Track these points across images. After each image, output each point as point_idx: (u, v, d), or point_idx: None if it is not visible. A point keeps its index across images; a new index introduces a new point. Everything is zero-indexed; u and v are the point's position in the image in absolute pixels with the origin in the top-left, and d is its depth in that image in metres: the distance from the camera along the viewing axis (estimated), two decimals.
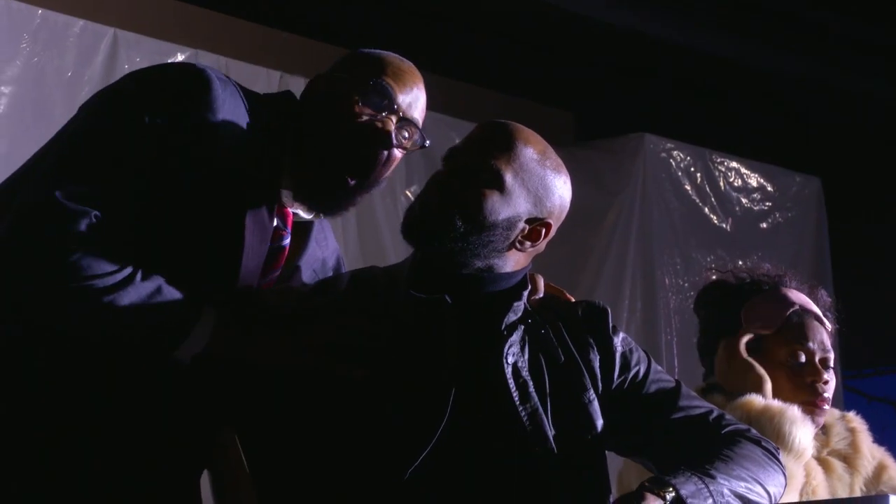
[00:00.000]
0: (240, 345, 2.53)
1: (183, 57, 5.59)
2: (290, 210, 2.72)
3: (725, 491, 2.56)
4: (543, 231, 2.74)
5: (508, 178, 2.66)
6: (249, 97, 2.63)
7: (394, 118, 2.66)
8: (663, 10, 6.39)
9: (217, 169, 2.50)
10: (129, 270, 2.42)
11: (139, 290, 2.41)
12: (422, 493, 2.51)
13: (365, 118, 2.63)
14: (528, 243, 2.74)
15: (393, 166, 2.73)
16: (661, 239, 6.74)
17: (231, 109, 2.52)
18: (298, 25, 6.26)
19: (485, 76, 7.01)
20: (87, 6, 5.59)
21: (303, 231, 2.77)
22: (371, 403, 2.58)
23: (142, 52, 5.51)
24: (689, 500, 2.49)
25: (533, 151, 2.71)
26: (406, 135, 2.69)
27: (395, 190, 6.17)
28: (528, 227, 2.72)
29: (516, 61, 6.90)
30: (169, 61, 2.73)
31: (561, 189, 2.76)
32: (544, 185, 2.72)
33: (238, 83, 2.66)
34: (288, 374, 2.62)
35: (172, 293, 2.45)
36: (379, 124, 2.64)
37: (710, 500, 2.52)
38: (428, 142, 2.71)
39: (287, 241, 2.73)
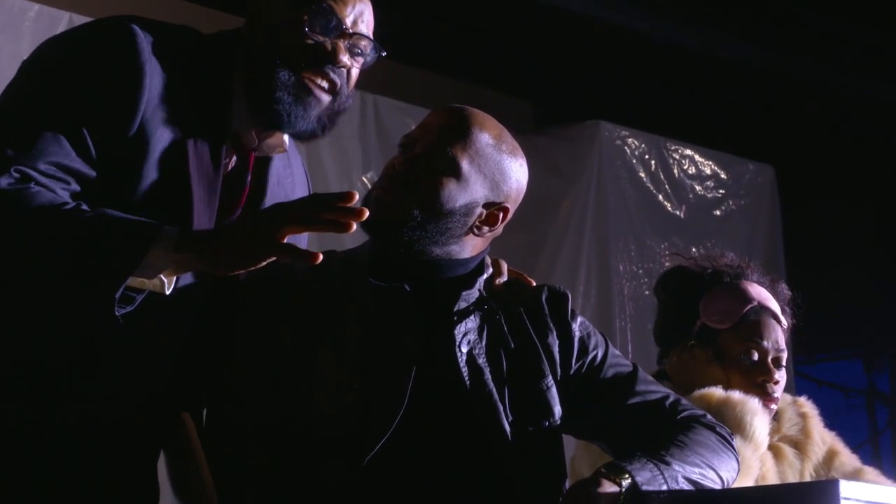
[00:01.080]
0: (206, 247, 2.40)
1: None
2: (253, 151, 2.67)
3: (680, 477, 2.56)
4: (501, 215, 2.73)
5: (465, 164, 2.65)
6: (184, 41, 2.59)
7: (343, 41, 2.61)
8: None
9: (151, 118, 2.46)
10: (70, 206, 2.35)
11: (81, 222, 2.33)
12: (380, 479, 2.50)
13: (313, 42, 2.59)
14: (485, 228, 2.72)
15: (353, 82, 2.68)
16: (616, 225, 6.76)
17: (159, 59, 2.47)
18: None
19: (443, 63, 6.99)
20: None
21: (263, 171, 2.72)
22: (331, 389, 2.56)
23: None
24: (644, 487, 2.49)
25: (488, 136, 2.69)
26: (359, 50, 2.65)
27: (351, 175, 6.15)
28: (485, 211, 2.70)
29: (475, 49, 6.88)
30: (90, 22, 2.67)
31: (517, 172, 2.74)
32: (500, 169, 2.70)
33: (174, 30, 2.62)
34: (249, 354, 2.60)
35: (120, 217, 2.37)
36: (329, 50, 2.60)
37: (665, 486, 2.52)
38: (384, 52, 2.68)
39: (248, 179, 2.67)
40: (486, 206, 2.70)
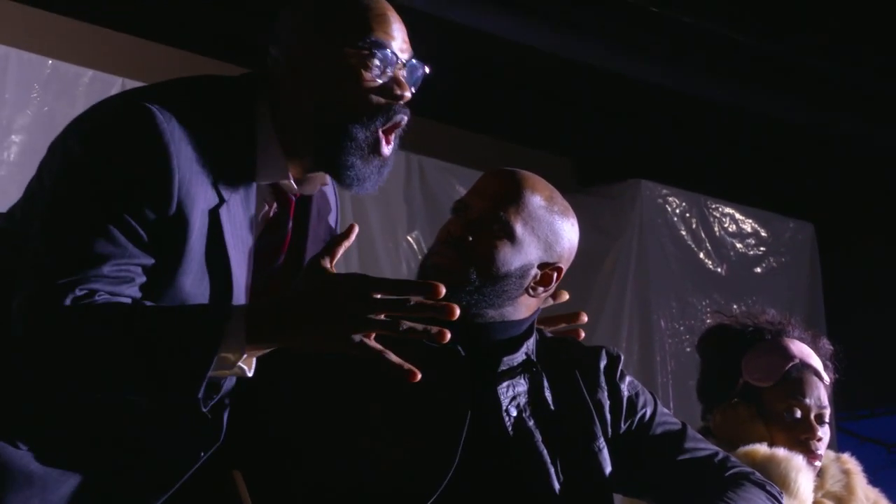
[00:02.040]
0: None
1: None
2: (290, 192, 2.62)
3: None
4: (555, 275, 2.74)
5: (519, 227, 2.66)
6: (204, 102, 2.51)
7: (401, 70, 2.57)
8: (660, 58, 6.41)
9: (185, 195, 2.41)
10: (133, 314, 2.33)
11: (148, 324, 2.32)
12: None
13: (377, 84, 2.53)
14: (540, 289, 2.74)
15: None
16: (658, 283, 6.76)
17: (183, 136, 2.41)
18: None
19: (485, 123, 7.03)
20: (96, 56, 5.63)
21: (305, 208, 2.69)
22: (383, 446, 2.57)
23: None
24: None
25: (540, 198, 2.71)
26: (415, 76, 2.61)
27: (396, 234, 6.18)
28: (539, 272, 2.71)
29: (516, 108, 6.91)
30: (111, 98, 2.62)
31: (569, 232, 2.76)
32: (553, 230, 2.72)
33: (194, 87, 2.56)
34: (298, 412, 2.60)
35: (188, 315, 2.35)
36: (398, 90, 2.54)
37: None
38: (427, 68, 2.62)
39: (289, 225, 2.64)
40: (541, 266, 2.71)
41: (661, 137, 7.25)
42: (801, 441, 3.31)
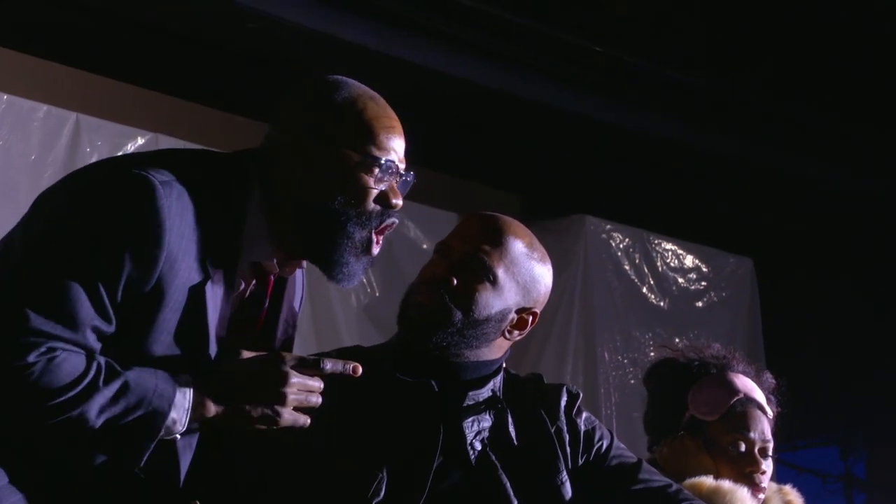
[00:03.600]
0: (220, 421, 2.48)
1: (143, 140, 5.60)
2: (270, 272, 2.63)
3: None
4: (530, 319, 2.78)
5: (500, 272, 2.70)
6: (199, 179, 2.51)
7: (397, 180, 2.60)
8: (604, 95, 6.45)
9: (168, 270, 2.42)
10: (91, 376, 2.35)
11: (105, 394, 2.35)
12: None
13: (375, 192, 2.55)
14: (516, 332, 2.78)
15: None
16: (602, 316, 6.79)
17: (178, 211, 2.43)
18: (256, 110, 6.25)
19: (431, 159, 7.03)
20: (50, 91, 5.60)
21: (280, 286, 2.70)
22: (354, 477, 2.59)
23: (103, 136, 5.52)
24: None
25: (522, 244, 2.75)
26: (406, 186, 2.63)
27: None
28: (517, 317, 2.76)
29: (463, 144, 6.92)
30: (108, 162, 2.58)
31: (546, 278, 2.80)
32: (531, 276, 2.76)
33: (190, 160, 2.57)
34: (265, 448, 2.61)
35: (140, 385, 2.39)
36: (393, 199, 2.57)
37: None
38: (414, 179, 2.64)
39: (266, 303, 2.66)
40: (518, 311, 2.74)
41: (605, 174, 7.28)
42: (746, 474, 3.33)
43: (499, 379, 2.78)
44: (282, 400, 2.46)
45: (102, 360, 2.38)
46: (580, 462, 2.78)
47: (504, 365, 2.83)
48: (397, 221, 2.61)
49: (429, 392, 2.67)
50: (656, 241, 7.11)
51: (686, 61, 6.40)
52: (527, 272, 2.74)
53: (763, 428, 3.39)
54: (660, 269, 7.08)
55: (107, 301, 2.37)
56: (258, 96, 6.17)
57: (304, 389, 2.48)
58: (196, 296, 2.47)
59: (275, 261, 2.61)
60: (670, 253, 7.16)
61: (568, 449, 2.77)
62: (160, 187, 2.40)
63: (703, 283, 7.24)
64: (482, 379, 2.74)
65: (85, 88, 5.88)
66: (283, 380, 2.46)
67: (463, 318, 2.66)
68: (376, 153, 2.55)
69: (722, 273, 7.32)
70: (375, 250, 2.58)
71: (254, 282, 2.62)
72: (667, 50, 6.39)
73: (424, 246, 6.53)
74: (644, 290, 7.01)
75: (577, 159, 7.18)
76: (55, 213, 2.45)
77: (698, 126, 6.76)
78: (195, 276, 2.46)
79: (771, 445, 3.41)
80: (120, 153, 5.53)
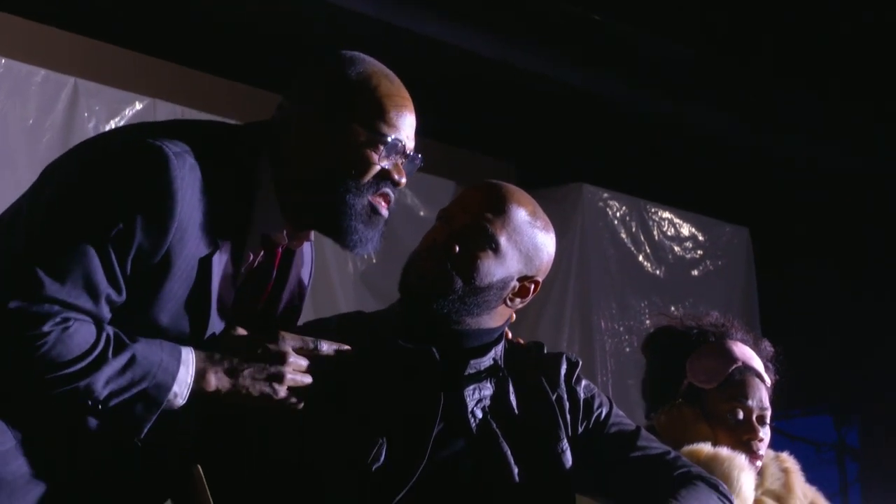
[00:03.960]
0: (221, 399, 2.50)
1: (141, 105, 5.58)
2: (279, 244, 2.64)
3: None
4: (532, 287, 2.76)
5: (503, 240, 2.68)
6: (212, 149, 2.51)
7: (403, 160, 2.60)
8: (602, 67, 6.43)
9: (177, 241, 2.43)
10: (100, 348, 2.37)
11: (113, 366, 2.36)
12: None
13: (378, 168, 2.56)
14: (517, 300, 2.76)
15: None
16: (599, 284, 6.79)
17: (190, 182, 2.43)
18: (254, 77, 6.24)
19: (429, 128, 7.01)
20: (49, 56, 5.59)
21: (287, 259, 2.71)
22: (355, 441, 2.58)
23: (101, 101, 5.50)
24: None
25: (525, 213, 2.73)
26: (412, 166, 2.64)
27: None
28: (518, 285, 2.74)
29: (462, 113, 6.91)
30: (124, 125, 2.59)
31: (549, 247, 2.79)
32: (534, 244, 2.73)
33: (198, 129, 2.57)
34: (265, 413, 2.59)
35: (147, 358, 2.40)
36: (396, 176, 2.57)
37: None
38: (422, 161, 2.65)
39: (273, 274, 2.67)
40: (520, 279, 2.73)
41: (602, 143, 7.27)
42: (744, 441, 3.32)
43: (500, 347, 2.77)
44: (279, 378, 2.51)
45: (111, 330, 2.39)
46: (580, 430, 2.77)
47: (505, 333, 2.82)
48: (394, 194, 2.61)
49: (430, 359, 2.66)
50: (653, 210, 7.10)
51: (684, 35, 6.38)
52: (529, 240, 2.72)
53: (761, 396, 3.38)
54: (656, 237, 7.07)
55: (118, 271, 2.38)
56: (256, 63, 6.16)
57: (298, 370, 2.53)
58: (203, 267, 2.48)
59: (284, 232, 2.62)
60: (667, 222, 7.15)
61: (568, 417, 2.76)
62: (174, 158, 2.41)
63: (700, 252, 7.24)
64: (484, 347, 2.73)
65: (83, 53, 5.87)
66: (283, 359, 2.51)
67: (464, 285, 2.65)
68: (384, 130, 2.55)
69: (718, 242, 7.32)
70: (383, 212, 2.59)
71: (262, 253, 2.62)
72: (665, 22, 6.37)
73: (421, 213, 6.52)
74: (640, 258, 7.01)
75: (574, 128, 7.17)
76: (69, 181, 2.45)
77: (696, 100, 6.75)
78: (204, 248, 2.47)
79: (769, 413, 3.40)
80: (118, 118, 5.53)
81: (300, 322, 2.80)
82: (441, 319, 2.66)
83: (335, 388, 2.61)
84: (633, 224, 7.00)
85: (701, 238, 7.25)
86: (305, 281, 2.79)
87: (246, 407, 2.53)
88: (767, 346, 3.53)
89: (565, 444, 2.71)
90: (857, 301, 7.96)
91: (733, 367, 3.37)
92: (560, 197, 6.87)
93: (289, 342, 2.53)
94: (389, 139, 2.55)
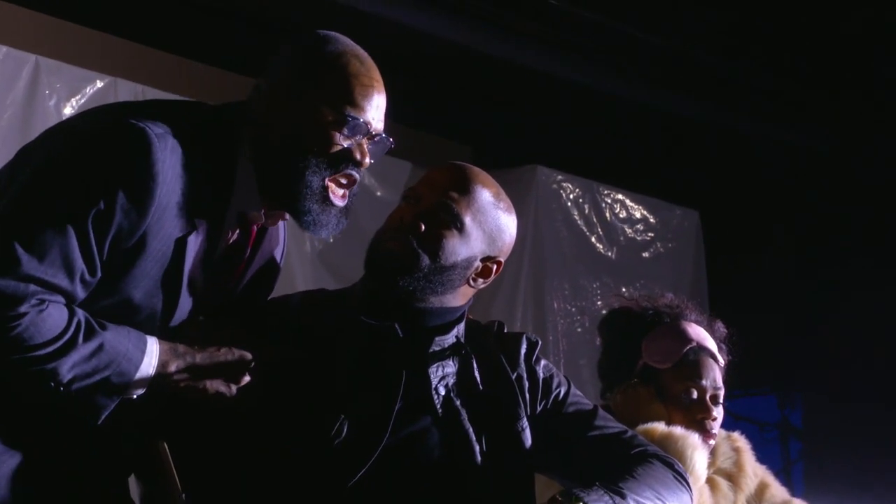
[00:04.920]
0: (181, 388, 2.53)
1: (102, 84, 5.55)
2: (254, 222, 2.63)
3: None
4: (494, 268, 2.77)
5: (468, 219, 2.69)
6: (190, 129, 2.51)
7: (366, 140, 2.59)
8: (557, 50, 6.44)
9: (154, 222, 2.42)
10: (70, 332, 2.36)
11: (81, 352, 2.37)
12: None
13: (339, 147, 2.56)
14: (480, 280, 2.77)
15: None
16: (552, 265, 6.81)
17: (171, 164, 2.43)
18: (213, 57, 6.21)
19: (388, 110, 7.00)
20: (9, 33, 5.54)
21: (259, 237, 2.70)
22: (317, 418, 2.58)
23: (62, 79, 5.46)
24: None
25: (489, 194, 2.74)
26: (379, 148, 2.64)
27: None
28: (482, 265, 2.75)
29: (418, 96, 6.90)
30: (104, 105, 2.56)
31: (511, 228, 2.79)
32: (497, 225, 2.75)
33: (178, 110, 2.56)
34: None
35: (114, 347, 2.41)
36: (357, 155, 2.57)
37: None
38: (392, 144, 2.66)
39: (247, 252, 2.66)
40: (483, 259, 2.73)
41: (556, 126, 7.28)
42: (697, 421, 3.34)
43: (462, 326, 2.78)
44: (236, 379, 2.56)
45: (82, 315, 2.39)
46: (538, 409, 2.79)
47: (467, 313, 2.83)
48: (357, 176, 2.61)
49: (393, 335, 2.67)
50: (606, 193, 7.12)
51: (640, 19, 6.39)
52: (493, 221, 2.73)
53: (714, 376, 3.41)
54: (608, 219, 7.10)
55: (95, 250, 2.37)
56: (218, 44, 6.13)
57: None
58: (178, 247, 2.47)
59: (262, 211, 2.62)
60: (619, 204, 7.18)
61: (527, 396, 2.77)
62: (156, 140, 2.40)
63: (651, 235, 7.27)
64: (447, 325, 2.74)
65: (45, 31, 5.82)
66: (245, 365, 2.56)
67: (430, 263, 2.65)
68: (348, 111, 2.55)
69: (669, 225, 7.36)
70: (336, 200, 2.58)
71: (237, 231, 2.62)
72: (620, 6, 6.38)
73: (378, 194, 6.51)
74: (593, 239, 7.03)
75: (529, 111, 7.18)
76: (49, 160, 2.43)
77: (647, 82, 6.77)
78: (180, 229, 2.46)
79: (722, 393, 3.43)
80: (78, 96, 5.49)
81: None
82: (406, 297, 2.67)
83: (298, 364, 2.62)
84: (587, 206, 7.02)
85: (652, 220, 7.28)
86: (278, 259, 2.79)
87: (200, 400, 2.54)
88: (721, 327, 3.56)
89: (525, 423, 2.73)
90: (801, 282, 8.02)
91: (688, 348, 3.40)
92: (514, 179, 6.87)
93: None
94: (352, 119, 2.55)
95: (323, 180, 2.55)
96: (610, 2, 6.36)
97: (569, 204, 6.95)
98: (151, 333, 2.48)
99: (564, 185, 6.96)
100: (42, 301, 2.33)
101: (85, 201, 2.36)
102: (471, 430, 2.66)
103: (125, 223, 2.38)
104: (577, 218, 6.97)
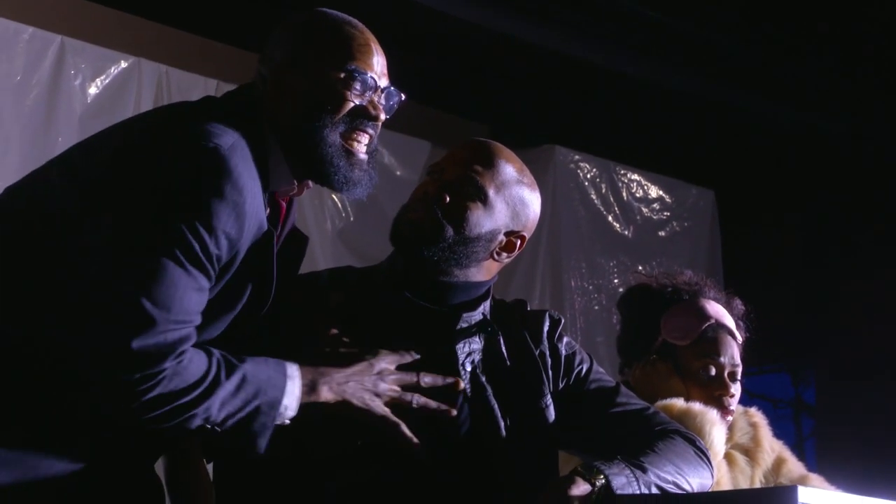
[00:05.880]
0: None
1: (126, 64, 5.55)
2: (282, 197, 2.65)
3: (653, 485, 2.59)
4: (518, 243, 2.79)
5: (491, 192, 2.70)
6: (234, 125, 2.49)
7: (377, 95, 2.62)
8: (577, 31, 6.41)
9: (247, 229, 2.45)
10: (213, 373, 2.37)
11: (227, 388, 2.38)
12: (384, 485, 2.57)
13: (352, 104, 2.57)
14: (504, 254, 2.79)
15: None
16: (569, 244, 6.80)
17: (247, 174, 2.44)
18: (236, 37, 6.20)
19: (405, 89, 6.99)
20: (36, 14, 5.54)
21: (289, 209, 2.72)
22: None
23: (87, 59, 5.47)
24: (618, 491, 2.51)
25: (512, 169, 2.75)
26: (390, 102, 2.66)
27: (321, 192, 6.12)
28: (505, 239, 2.76)
29: (437, 75, 6.89)
30: (161, 135, 2.50)
31: (535, 204, 2.81)
32: (521, 199, 2.76)
33: (225, 110, 2.56)
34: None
35: (256, 376, 2.42)
36: (372, 111, 2.59)
37: (638, 492, 2.53)
38: (403, 96, 2.69)
39: (279, 227, 2.65)
40: (507, 233, 2.75)
41: (574, 106, 7.26)
42: (715, 397, 3.35)
43: (488, 303, 2.79)
44: (380, 394, 2.56)
45: (218, 353, 2.41)
46: (561, 385, 2.80)
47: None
48: (374, 132, 2.62)
49: (418, 310, 2.68)
50: (622, 172, 7.12)
51: (657, 0, 6.38)
52: (517, 195, 2.74)
53: (732, 353, 3.41)
54: (625, 198, 7.09)
55: (206, 284, 2.39)
56: (240, 23, 6.12)
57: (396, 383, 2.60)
58: (265, 243, 2.50)
59: (296, 185, 2.65)
60: (635, 184, 7.17)
61: (550, 373, 2.79)
62: (230, 159, 2.40)
63: (667, 214, 7.26)
64: (474, 301, 2.75)
65: (70, 11, 5.82)
66: (381, 375, 2.57)
67: (454, 234, 2.66)
68: (353, 66, 2.58)
69: (684, 204, 7.35)
70: (360, 155, 2.60)
71: (268, 209, 2.62)
72: None
73: (398, 173, 6.51)
74: (609, 218, 7.02)
75: (547, 91, 7.15)
76: (136, 206, 2.38)
77: (665, 62, 6.74)
78: (262, 228, 2.49)
79: (740, 369, 3.43)
80: (103, 76, 5.50)
81: None
82: (431, 268, 2.67)
83: (325, 341, 2.62)
84: (604, 186, 7.01)
85: (668, 200, 7.27)
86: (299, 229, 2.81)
87: (350, 417, 2.54)
88: (739, 304, 3.56)
89: (549, 400, 2.74)
90: (815, 260, 8.00)
91: (706, 325, 3.39)
92: (532, 158, 6.82)
93: (385, 359, 2.59)
94: (359, 74, 2.58)
95: (341, 137, 2.57)
96: None
97: (586, 183, 6.94)
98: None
99: (582, 164, 6.96)
100: (182, 353, 2.33)
101: (191, 242, 2.34)
102: (496, 405, 2.66)
103: (226, 244, 2.40)
104: (594, 197, 6.96)
